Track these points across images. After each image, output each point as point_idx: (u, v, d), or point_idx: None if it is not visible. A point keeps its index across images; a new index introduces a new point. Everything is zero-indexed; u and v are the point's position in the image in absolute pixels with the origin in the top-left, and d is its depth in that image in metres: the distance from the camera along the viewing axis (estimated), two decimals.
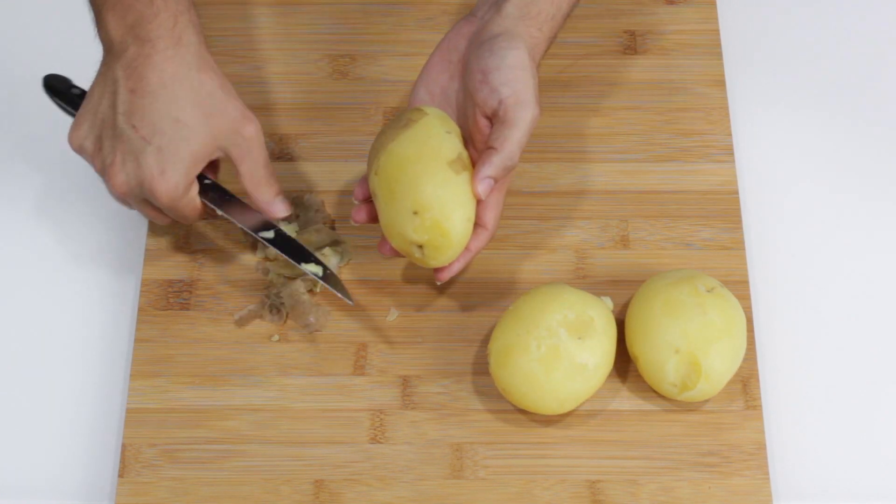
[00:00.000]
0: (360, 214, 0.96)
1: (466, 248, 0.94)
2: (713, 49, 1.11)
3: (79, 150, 0.95)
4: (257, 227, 0.98)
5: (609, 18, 1.13)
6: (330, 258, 1.01)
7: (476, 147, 0.94)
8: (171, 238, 1.04)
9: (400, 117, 0.93)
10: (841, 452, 0.97)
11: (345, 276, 1.02)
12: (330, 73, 1.11)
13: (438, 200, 0.91)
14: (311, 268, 0.97)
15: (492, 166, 0.91)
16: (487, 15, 0.95)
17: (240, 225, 0.97)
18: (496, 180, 0.91)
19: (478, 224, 0.95)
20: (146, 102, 0.91)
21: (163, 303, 1.01)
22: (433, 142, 0.92)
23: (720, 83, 1.10)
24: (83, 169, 1.08)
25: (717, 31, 1.12)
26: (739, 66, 1.13)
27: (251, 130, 0.93)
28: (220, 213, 0.97)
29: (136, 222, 1.06)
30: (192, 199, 0.94)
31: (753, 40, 1.14)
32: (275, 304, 1.00)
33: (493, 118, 0.92)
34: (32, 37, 1.15)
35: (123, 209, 1.06)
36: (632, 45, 1.12)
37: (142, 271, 1.03)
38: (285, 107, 1.09)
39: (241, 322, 1.00)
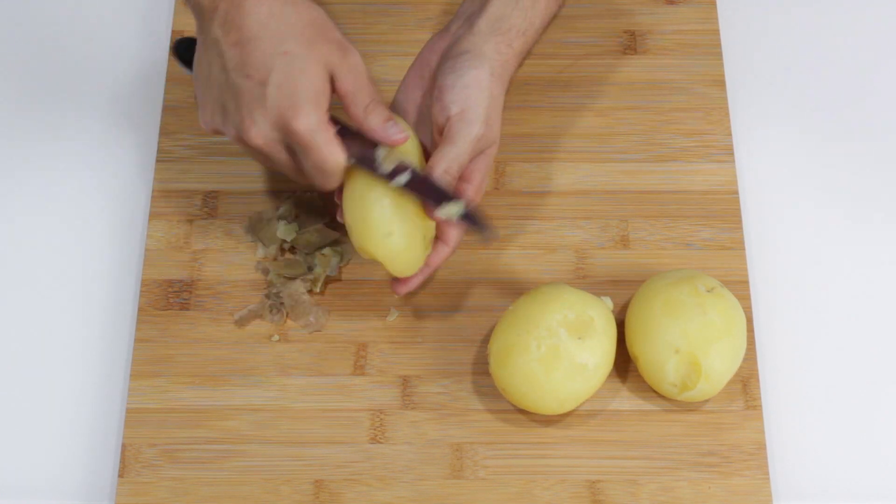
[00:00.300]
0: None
1: (426, 263, 0.95)
2: (713, 49, 1.11)
3: (212, 130, 0.94)
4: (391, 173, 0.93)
5: (609, 18, 1.13)
6: (330, 258, 1.01)
7: None
8: (171, 238, 1.04)
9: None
10: (841, 452, 0.97)
11: (345, 276, 1.02)
12: None
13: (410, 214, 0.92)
14: (451, 208, 0.92)
15: (440, 164, 0.91)
16: (460, 31, 0.96)
17: (377, 172, 0.92)
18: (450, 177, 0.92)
19: (438, 239, 0.96)
20: (251, 49, 0.89)
21: (163, 303, 1.01)
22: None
23: (720, 83, 1.10)
24: (82, 168, 1.09)
25: (717, 31, 1.12)
26: (739, 66, 1.13)
27: (354, 57, 0.91)
28: (352, 161, 0.92)
29: (136, 222, 1.06)
30: (332, 139, 0.90)
31: (753, 40, 1.14)
32: (275, 304, 1.00)
33: (441, 134, 0.92)
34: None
35: (123, 208, 1.06)
36: (632, 45, 1.12)
37: (142, 271, 1.03)
38: None
39: (241, 322, 1.00)
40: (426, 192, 0.92)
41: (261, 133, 0.90)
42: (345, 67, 0.91)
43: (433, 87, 0.95)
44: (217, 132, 0.94)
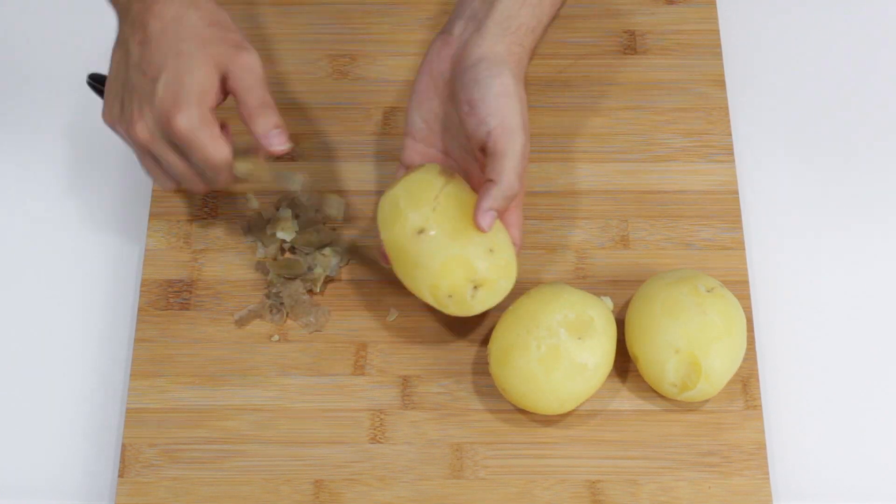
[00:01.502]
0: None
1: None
2: (713, 49, 1.11)
3: (110, 123, 0.95)
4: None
5: (609, 18, 1.13)
6: (330, 258, 1.01)
7: (477, 176, 0.95)
8: (171, 238, 1.04)
9: (429, 168, 0.95)
10: (841, 452, 0.97)
11: (345, 276, 1.02)
12: (330, 73, 1.11)
13: (509, 242, 0.94)
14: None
15: (491, 198, 0.90)
16: (465, 34, 0.94)
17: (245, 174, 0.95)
18: (499, 211, 0.91)
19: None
20: (152, 48, 0.91)
21: (163, 303, 1.01)
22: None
23: (720, 83, 1.10)
24: (81, 169, 1.09)
25: (716, 31, 1.12)
26: (739, 66, 1.13)
27: (246, 58, 0.92)
28: (239, 165, 0.94)
29: (136, 222, 1.06)
30: (216, 136, 0.91)
31: (753, 40, 1.14)
32: (275, 304, 1.00)
33: (484, 149, 0.92)
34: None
35: (122, 208, 1.06)
36: (632, 45, 1.12)
37: (142, 271, 1.03)
38: (285, 107, 1.08)
39: (241, 322, 1.01)
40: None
41: (146, 128, 0.91)
42: (237, 67, 0.92)
43: (450, 96, 0.95)
44: (113, 126, 0.95)
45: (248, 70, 0.92)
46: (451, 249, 0.92)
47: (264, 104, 0.92)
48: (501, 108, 0.91)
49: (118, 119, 0.93)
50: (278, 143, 0.92)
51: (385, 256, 0.96)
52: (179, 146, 0.91)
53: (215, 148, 0.91)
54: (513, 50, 0.93)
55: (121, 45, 0.94)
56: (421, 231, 0.92)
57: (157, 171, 0.95)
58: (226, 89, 0.93)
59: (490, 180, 0.91)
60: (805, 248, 1.05)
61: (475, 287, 0.92)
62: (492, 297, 0.94)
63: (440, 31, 0.97)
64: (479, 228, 0.91)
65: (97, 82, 1.02)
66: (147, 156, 0.94)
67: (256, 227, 1.03)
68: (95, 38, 1.14)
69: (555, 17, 0.98)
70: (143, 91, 0.91)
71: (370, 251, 1.01)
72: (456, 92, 0.93)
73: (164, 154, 0.93)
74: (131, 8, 0.92)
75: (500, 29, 0.93)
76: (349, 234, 1.03)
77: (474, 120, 0.91)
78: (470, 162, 0.96)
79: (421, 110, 0.97)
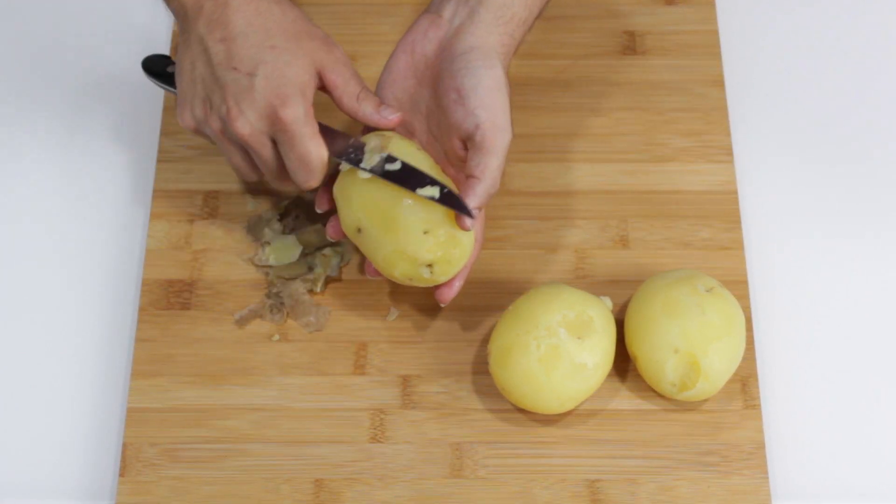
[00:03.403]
0: (336, 232, 0.97)
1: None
2: (712, 49, 1.12)
3: (192, 126, 0.94)
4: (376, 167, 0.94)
5: (609, 19, 1.13)
6: (330, 258, 1.02)
7: (450, 162, 0.95)
8: (172, 238, 1.04)
9: (367, 141, 0.93)
10: (840, 452, 0.97)
11: (345, 276, 1.02)
12: None
13: (447, 215, 0.91)
14: (429, 190, 0.92)
15: (476, 197, 0.90)
16: (457, 18, 0.94)
17: (360, 167, 0.93)
18: (481, 209, 0.91)
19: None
20: (239, 43, 0.90)
21: (163, 302, 1.01)
22: (417, 159, 0.92)
23: (719, 83, 1.10)
24: (83, 168, 1.09)
25: (716, 32, 1.12)
26: (738, 67, 1.13)
27: (338, 53, 0.93)
28: (336, 160, 0.94)
29: (137, 222, 1.06)
30: (316, 132, 0.91)
31: (753, 41, 1.14)
32: (275, 304, 1.01)
33: (469, 141, 0.91)
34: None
35: (121, 209, 1.06)
36: (631, 45, 1.12)
37: (142, 271, 1.03)
38: None
39: (241, 322, 1.01)
40: (408, 178, 0.92)
41: (248, 123, 0.90)
42: (331, 61, 0.92)
43: (433, 79, 0.94)
44: (197, 130, 0.95)
45: (344, 63, 0.93)
46: (386, 246, 0.92)
47: (365, 90, 0.93)
48: (493, 102, 0.91)
49: (204, 120, 0.93)
50: (391, 115, 0.93)
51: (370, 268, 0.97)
52: (280, 141, 0.91)
53: (316, 145, 0.91)
54: (504, 41, 0.93)
55: (193, 44, 0.92)
56: (359, 230, 0.93)
57: (247, 166, 0.95)
58: (322, 84, 0.93)
59: (474, 177, 0.90)
60: (804, 248, 1.05)
61: (428, 266, 0.92)
62: (450, 266, 0.93)
63: (426, 9, 0.96)
64: (462, 228, 0.91)
65: (153, 67, 1.02)
66: (240, 151, 0.94)
67: (257, 227, 1.03)
68: (94, 39, 1.14)
69: (543, 10, 0.97)
70: (240, 86, 0.90)
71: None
72: (443, 78, 0.93)
73: (262, 149, 0.92)
74: (203, 6, 0.91)
75: (493, 18, 0.93)
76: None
77: (462, 110, 0.91)
78: (432, 144, 0.96)
79: (394, 88, 0.96)
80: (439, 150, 0.96)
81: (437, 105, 0.94)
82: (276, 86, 0.90)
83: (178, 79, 0.95)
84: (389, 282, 1.00)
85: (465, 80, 0.91)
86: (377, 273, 0.96)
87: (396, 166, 0.91)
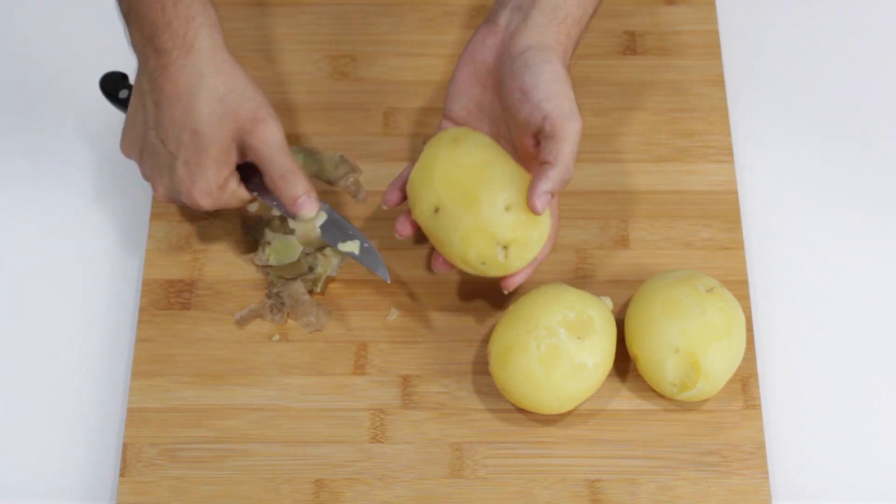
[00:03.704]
0: (406, 227, 0.96)
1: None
2: (712, 49, 1.12)
3: (129, 157, 0.99)
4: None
5: (609, 18, 1.13)
6: (331, 258, 1.02)
7: (526, 164, 0.94)
8: (172, 238, 1.04)
9: (440, 138, 0.94)
10: (840, 452, 0.98)
11: (345, 276, 1.02)
12: (330, 74, 1.11)
13: (520, 190, 0.91)
14: (348, 247, 0.97)
15: (549, 181, 0.89)
16: (512, 24, 0.94)
17: (281, 211, 0.97)
18: (553, 195, 0.90)
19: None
20: (167, 115, 0.92)
21: (164, 302, 1.01)
22: (495, 148, 0.93)
23: (719, 83, 1.10)
24: (82, 170, 1.09)
25: (716, 32, 1.12)
26: (738, 67, 1.13)
27: (263, 131, 0.93)
28: (262, 200, 0.97)
29: (137, 222, 1.06)
30: (234, 192, 0.95)
31: (753, 40, 1.15)
32: (275, 304, 1.01)
33: (540, 134, 0.91)
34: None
35: (121, 209, 1.07)
36: (632, 45, 1.12)
37: (142, 271, 1.03)
38: (285, 107, 1.09)
39: (241, 322, 1.01)
40: (331, 231, 0.98)
41: (166, 194, 0.97)
42: (254, 140, 0.93)
43: (496, 84, 0.94)
44: (133, 159, 0.98)
45: (265, 142, 0.93)
46: (465, 223, 0.91)
47: (286, 172, 0.94)
48: (556, 92, 0.90)
49: (138, 163, 0.98)
50: (307, 209, 0.95)
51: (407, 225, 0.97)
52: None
53: (236, 201, 0.96)
54: (560, 39, 0.93)
55: (139, 93, 0.95)
56: (437, 210, 0.92)
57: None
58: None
59: (547, 162, 0.90)
60: (804, 248, 1.05)
61: (504, 247, 0.92)
62: (526, 251, 0.92)
63: (483, 21, 0.96)
64: (533, 211, 0.90)
65: (109, 86, 1.03)
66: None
67: (256, 227, 1.04)
68: (92, 45, 1.14)
69: (598, 8, 0.97)
70: (162, 160, 0.94)
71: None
72: (505, 80, 0.92)
73: (184, 206, 0.99)
74: (148, 61, 0.93)
75: (546, 19, 0.93)
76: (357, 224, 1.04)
77: (528, 106, 0.90)
78: (505, 148, 0.95)
79: (461, 98, 0.96)
80: (513, 154, 0.95)
81: (503, 108, 0.94)
82: (191, 172, 0.93)
83: (128, 110, 0.97)
84: (389, 283, 1.00)
85: (526, 77, 0.91)
86: (446, 265, 0.95)
87: (322, 220, 0.97)
